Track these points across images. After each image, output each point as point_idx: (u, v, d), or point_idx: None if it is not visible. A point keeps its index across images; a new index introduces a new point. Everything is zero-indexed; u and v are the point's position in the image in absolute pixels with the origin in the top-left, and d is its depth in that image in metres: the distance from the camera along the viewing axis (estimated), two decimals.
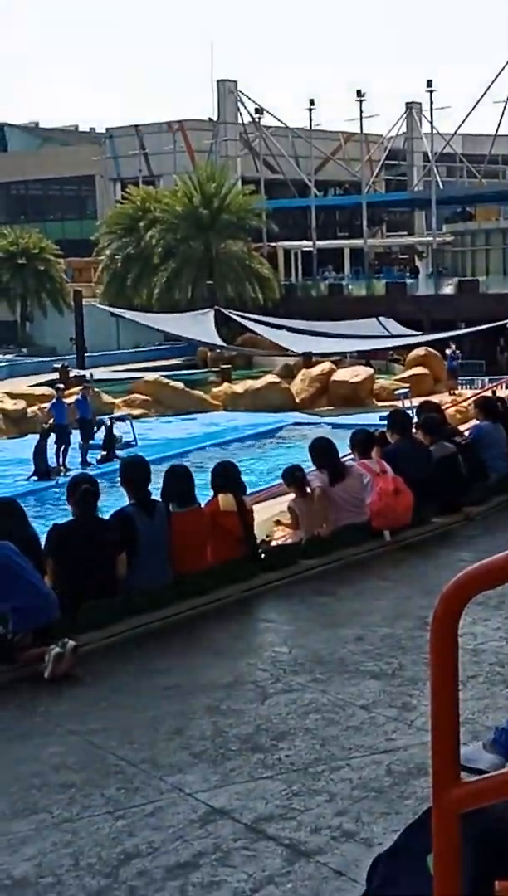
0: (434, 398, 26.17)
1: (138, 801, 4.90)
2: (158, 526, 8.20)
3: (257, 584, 8.62)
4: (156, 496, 8.49)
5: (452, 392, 36.41)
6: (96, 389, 34.83)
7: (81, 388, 30.93)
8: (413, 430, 11.29)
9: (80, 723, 5.97)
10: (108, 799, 4.94)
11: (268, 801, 4.79)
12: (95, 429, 28.66)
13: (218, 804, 4.80)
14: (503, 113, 60.84)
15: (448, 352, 40.75)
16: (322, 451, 10.13)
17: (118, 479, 8.69)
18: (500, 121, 61.55)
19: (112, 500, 10.11)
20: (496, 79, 60.07)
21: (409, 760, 5.07)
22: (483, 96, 61.55)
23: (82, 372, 40.80)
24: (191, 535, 8.42)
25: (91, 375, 38.75)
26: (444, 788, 2.27)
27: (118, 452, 26.58)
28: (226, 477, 9.10)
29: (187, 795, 4.90)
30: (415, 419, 11.92)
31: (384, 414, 12.72)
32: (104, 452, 27.44)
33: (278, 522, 14.42)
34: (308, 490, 9.97)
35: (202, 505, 8.82)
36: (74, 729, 5.89)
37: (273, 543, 10.81)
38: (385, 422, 11.49)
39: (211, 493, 9.04)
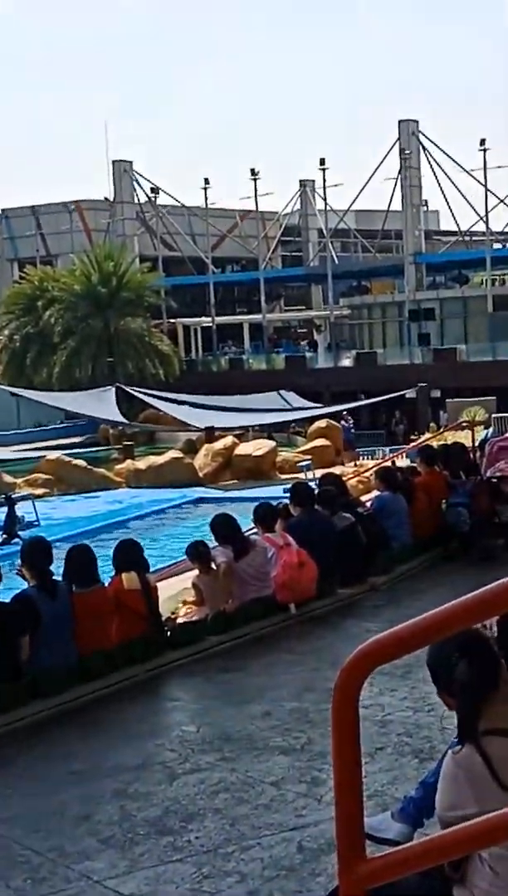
0: (337, 469, 26.34)
1: (45, 891, 4.77)
2: (61, 607, 8.09)
3: (163, 663, 8.54)
4: (59, 576, 8.39)
5: (351, 462, 36.67)
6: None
7: None
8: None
9: None
10: (14, 890, 4.81)
11: (178, 885, 4.71)
12: (4, 502, 28.22)
13: (127, 891, 4.70)
14: (394, 189, 62.30)
15: (343, 423, 41.20)
16: (223, 526, 10.13)
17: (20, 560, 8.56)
18: (391, 197, 63.01)
19: (15, 583, 9.94)
20: (386, 156, 61.56)
21: (320, 836, 5.02)
22: (374, 173, 63.03)
23: None
24: (94, 615, 8.32)
25: None
26: (349, 865, 2.25)
27: (20, 533, 26.19)
28: (128, 555, 9.04)
29: (96, 883, 4.80)
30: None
31: (288, 486, 12.76)
32: (5, 535, 27.01)
33: (185, 602, 14.30)
34: (213, 566, 9.94)
35: (106, 584, 8.73)
36: None
37: (179, 620, 10.72)
38: (288, 495, 11.53)
39: (114, 571, 8.95)
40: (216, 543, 10.14)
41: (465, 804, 3.18)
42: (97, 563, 8.67)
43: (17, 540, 25.36)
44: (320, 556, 10.19)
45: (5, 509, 27.94)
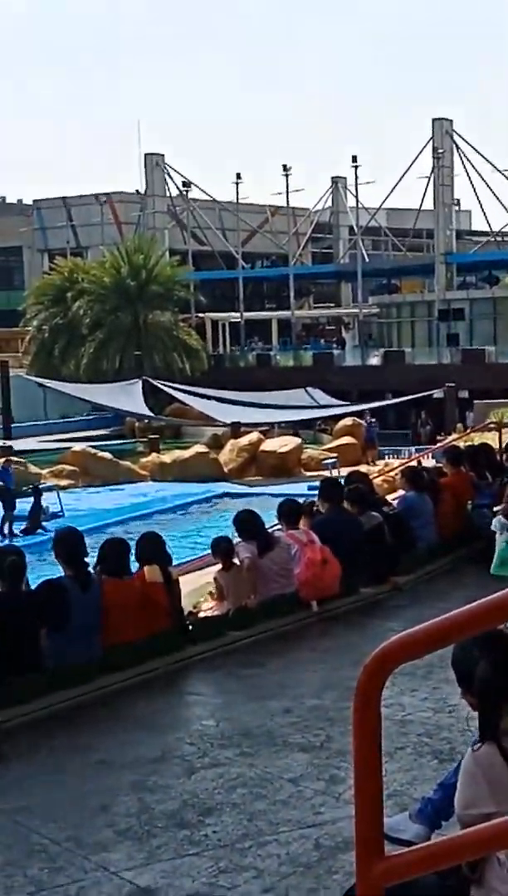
0: (362, 468, 26.30)
1: (62, 880, 4.79)
2: (92, 599, 8.09)
3: (184, 657, 8.55)
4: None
5: (373, 461, 36.63)
6: (23, 460, 34.51)
7: (3, 459, 30.63)
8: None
9: (1, 801, 5.85)
10: (30, 879, 4.83)
11: (195, 879, 4.72)
12: (31, 492, 28.26)
13: (144, 882, 4.71)
14: (426, 188, 62.11)
15: (363, 422, 41.16)
16: (247, 522, 10.11)
17: (44, 550, 8.58)
18: (423, 196, 62.82)
19: (37, 573, 9.98)
20: (419, 155, 61.41)
21: (337, 834, 5.03)
22: (406, 172, 62.86)
23: (9, 443, 40.47)
24: (123, 606, 8.32)
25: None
26: (368, 862, 2.26)
27: (45, 524, 26.29)
28: (151, 548, 9.04)
29: (112, 874, 4.81)
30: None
31: (313, 484, 12.76)
32: (29, 525, 27.10)
33: (211, 594, 14.31)
34: (236, 561, 9.94)
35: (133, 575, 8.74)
36: None
37: (201, 615, 10.74)
38: (315, 491, 11.51)
39: (137, 564, 8.96)
40: (240, 539, 10.14)
41: (483, 802, 3.18)
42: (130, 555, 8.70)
43: (41, 530, 25.49)
44: (344, 555, 10.17)
45: (31, 499, 28.04)
